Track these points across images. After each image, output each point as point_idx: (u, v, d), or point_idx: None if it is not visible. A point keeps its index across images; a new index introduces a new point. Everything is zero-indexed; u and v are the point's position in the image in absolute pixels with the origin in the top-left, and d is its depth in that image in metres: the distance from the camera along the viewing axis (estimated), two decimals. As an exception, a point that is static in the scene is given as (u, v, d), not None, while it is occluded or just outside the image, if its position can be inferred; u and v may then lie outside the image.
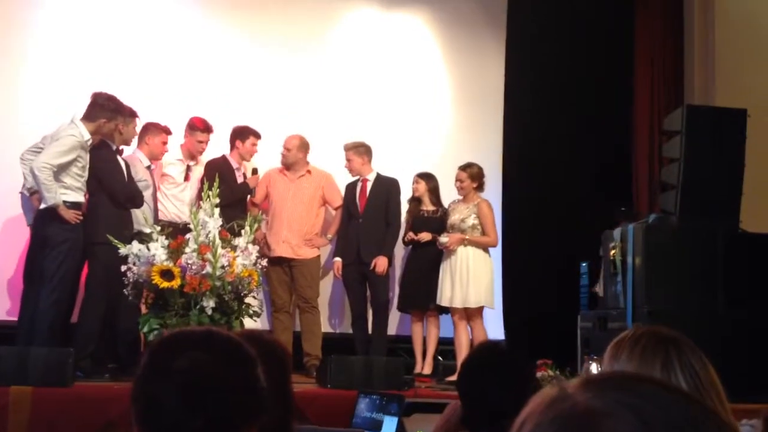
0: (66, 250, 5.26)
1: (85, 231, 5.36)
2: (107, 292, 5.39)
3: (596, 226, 6.33)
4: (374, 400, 4.14)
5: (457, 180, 6.38)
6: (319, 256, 6.61)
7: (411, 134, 7.43)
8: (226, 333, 1.41)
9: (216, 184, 5.15)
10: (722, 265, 5.52)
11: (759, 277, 5.59)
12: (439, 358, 6.57)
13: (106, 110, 5.50)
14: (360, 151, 6.55)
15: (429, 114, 7.56)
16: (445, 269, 6.22)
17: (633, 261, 5.59)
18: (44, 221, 5.32)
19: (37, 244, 5.42)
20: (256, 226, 5.27)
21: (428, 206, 6.53)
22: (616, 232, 5.82)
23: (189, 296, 4.83)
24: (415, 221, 6.52)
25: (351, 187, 6.62)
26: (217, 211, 5.06)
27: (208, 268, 4.84)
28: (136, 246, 4.94)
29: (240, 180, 6.43)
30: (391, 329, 6.75)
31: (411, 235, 6.47)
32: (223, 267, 4.88)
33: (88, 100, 5.55)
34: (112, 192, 5.58)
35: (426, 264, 6.37)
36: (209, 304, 4.84)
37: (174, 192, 6.34)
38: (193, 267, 4.81)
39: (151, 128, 6.12)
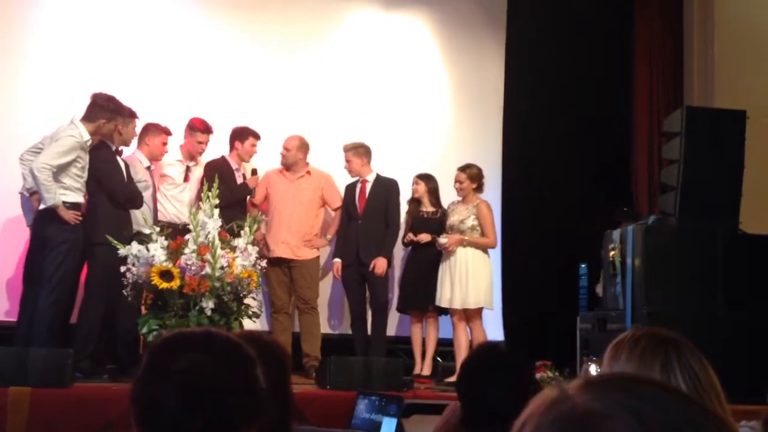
0: (65, 250, 5.26)
1: (84, 231, 5.36)
2: (106, 292, 5.39)
3: (596, 226, 6.33)
4: (373, 401, 4.14)
5: (456, 181, 6.39)
6: (318, 257, 6.61)
7: (411, 135, 7.43)
8: (225, 334, 1.41)
9: (215, 185, 5.15)
10: (722, 267, 5.52)
11: (758, 278, 5.59)
12: (438, 359, 6.57)
13: (105, 111, 5.50)
14: (359, 152, 6.55)
15: (429, 114, 7.56)
16: (444, 270, 6.22)
17: (632, 262, 5.59)
18: (44, 222, 5.31)
19: (37, 244, 5.42)
20: (255, 226, 5.27)
21: (428, 207, 6.54)
22: (616, 234, 5.82)
23: (188, 297, 4.83)
24: (414, 222, 6.52)
25: (350, 188, 6.62)
26: (216, 211, 5.06)
27: (208, 269, 4.84)
28: (135, 247, 4.94)
29: (239, 181, 6.43)
30: (391, 330, 6.75)
31: (410, 236, 6.47)
32: (222, 268, 4.88)
33: (87, 101, 5.56)
34: (112, 193, 5.58)
35: (425, 265, 6.37)
36: (208, 305, 4.84)
37: (173, 193, 6.34)
38: (193, 268, 4.81)
39: (151, 129, 6.12)
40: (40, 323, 5.20)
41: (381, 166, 6.69)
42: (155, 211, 6.08)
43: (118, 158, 5.72)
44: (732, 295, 5.50)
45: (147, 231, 5.06)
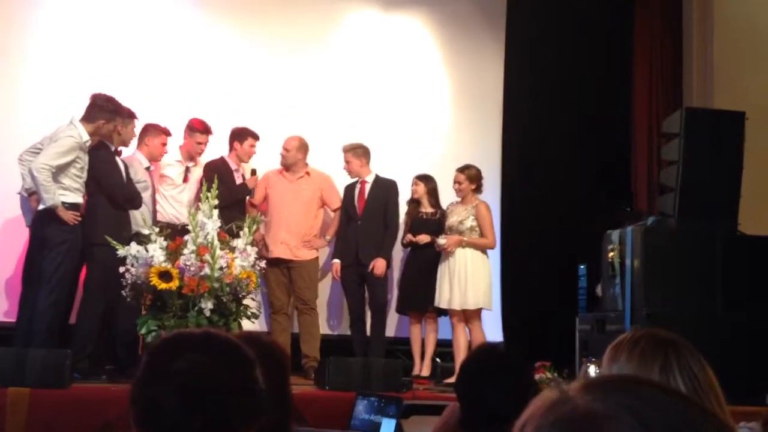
0: (64, 251, 5.26)
1: (83, 232, 5.35)
2: (105, 293, 5.39)
3: (597, 225, 6.32)
4: (372, 402, 4.14)
5: (455, 182, 6.39)
6: (317, 258, 6.61)
7: (410, 135, 7.43)
8: (224, 335, 1.41)
9: (215, 186, 5.15)
10: (721, 268, 5.53)
11: (757, 279, 5.59)
12: (438, 360, 6.56)
13: (104, 111, 5.50)
14: (358, 152, 6.55)
15: (428, 115, 7.56)
16: (443, 271, 6.22)
17: (631, 263, 5.59)
18: (43, 222, 5.31)
19: (36, 245, 5.41)
20: (254, 227, 5.27)
21: (427, 208, 6.54)
22: (615, 235, 5.83)
23: (187, 298, 4.83)
24: (414, 223, 6.52)
25: (350, 189, 6.62)
26: (215, 212, 5.06)
27: (207, 270, 4.84)
28: (134, 247, 4.94)
29: (238, 181, 6.43)
30: (390, 331, 6.75)
31: (409, 237, 6.47)
32: (221, 268, 4.88)
33: (87, 101, 5.56)
34: (111, 193, 5.58)
35: (424, 266, 6.37)
36: (207, 305, 4.84)
37: (172, 193, 6.34)
38: (192, 268, 4.81)
39: (150, 129, 6.12)
40: (39, 324, 5.20)
41: (380, 166, 6.69)
42: (154, 211, 6.09)
43: (118, 159, 5.72)
44: (731, 296, 5.50)
45: (146, 231, 5.06)
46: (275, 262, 6.34)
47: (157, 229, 5.09)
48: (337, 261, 6.53)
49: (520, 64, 7.77)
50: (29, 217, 5.65)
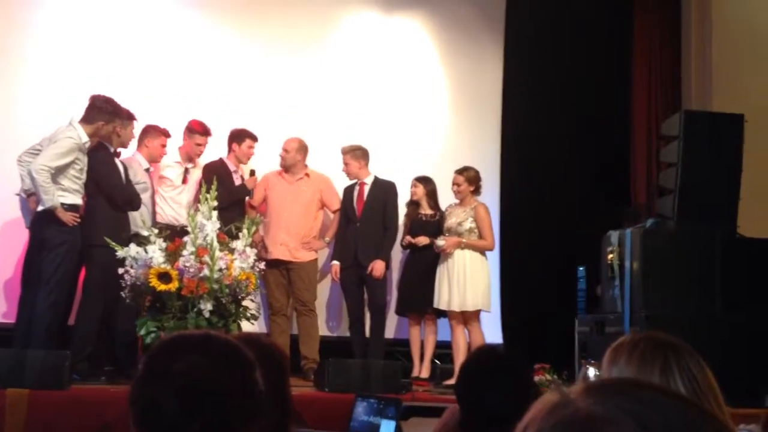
0: (63, 252, 5.26)
1: (82, 233, 5.35)
2: (104, 294, 5.39)
3: (596, 226, 6.32)
4: (372, 404, 4.14)
5: (453, 184, 6.39)
6: (316, 260, 6.60)
7: (410, 137, 7.43)
8: (224, 336, 1.41)
9: (214, 187, 5.15)
10: (720, 270, 5.53)
11: (756, 281, 5.60)
12: (437, 361, 6.56)
13: (104, 113, 5.50)
14: (357, 154, 6.55)
15: (427, 116, 7.57)
16: (442, 273, 6.23)
17: (630, 265, 5.59)
18: (42, 223, 5.31)
19: (35, 246, 5.41)
20: (253, 228, 5.27)
21: (426, 210, 6.54)
22: (614, 237, 5.83)
23: (186, 299, 4.83)
24: (413, 225, 6.52)
25: (349, 191, 6.62)
26: (214, 213, 5.06)
27: (206, 271, 4.84)
28: (133, 248, 4.94)
29: (238, 183, 6.43)
30: (389, 333, 6.75)
31: (408, 238, 6.47)
32: (220, 270, 4.88)
33: (87, 102, 5.56)
34: (110, 194, 5.57)
35: (424, 267, 6.37)
36: (207, 307, 4.84)
37: (172, 194, 6.34)
38: (191, 270, 4.81)
39: (150, 131, 6.13)
40: (39, 325, 5.20)
41: (379, 168, 6.69)
42: (153, 213, 6.09)
43: (117, 160, 5.72)
44: (730, 298, 5.50)
45: (145, 233, 5.05)
46: (274, 264, 6.34)
47: (156, 231, 5.09)
48: (336, 262, 6.53)
49: (519, 66, 7.77)
50: (28, 219, 5.64)
